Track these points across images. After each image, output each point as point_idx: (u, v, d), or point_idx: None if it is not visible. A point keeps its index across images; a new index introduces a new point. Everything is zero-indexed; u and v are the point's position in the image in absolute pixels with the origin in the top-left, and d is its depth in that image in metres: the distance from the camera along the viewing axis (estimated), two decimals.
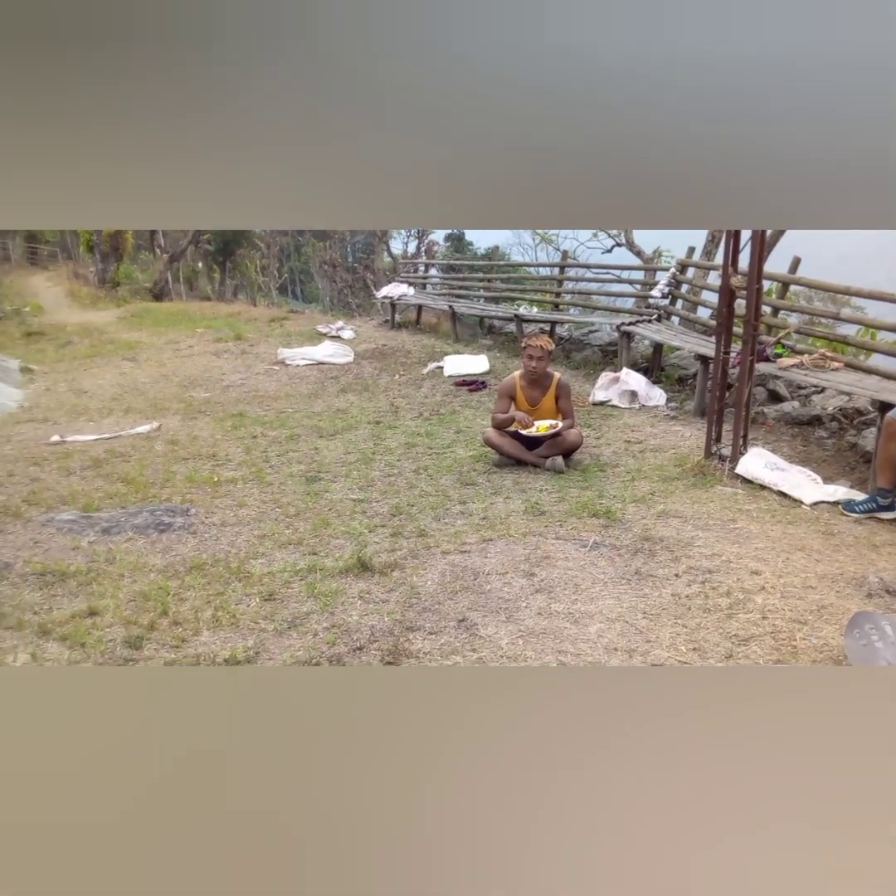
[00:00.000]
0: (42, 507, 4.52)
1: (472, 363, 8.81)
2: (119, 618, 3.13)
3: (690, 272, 8.65)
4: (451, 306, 11.18)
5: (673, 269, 8.54)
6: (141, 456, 5.64)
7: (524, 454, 5.14)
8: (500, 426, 5.26)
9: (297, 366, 9.53)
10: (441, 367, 8.88)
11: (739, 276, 4.85)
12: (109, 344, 11.57)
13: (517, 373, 5.40)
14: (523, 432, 5.11)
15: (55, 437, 6.20)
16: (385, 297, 13.22)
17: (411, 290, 13.20)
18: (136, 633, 2.99)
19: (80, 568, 3.62)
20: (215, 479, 5.05)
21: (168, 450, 5.83)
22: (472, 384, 8.05)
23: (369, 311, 19.27)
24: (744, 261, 4.88)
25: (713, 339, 6.16)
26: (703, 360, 6.31)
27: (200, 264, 28.64)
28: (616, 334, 8.47)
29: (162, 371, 9.38)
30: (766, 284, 5.62)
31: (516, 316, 9.82)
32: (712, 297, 7.74)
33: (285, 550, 3.86)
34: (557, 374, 5.34)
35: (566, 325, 10.26)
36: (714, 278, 9.03)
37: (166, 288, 21.88)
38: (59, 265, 22.23)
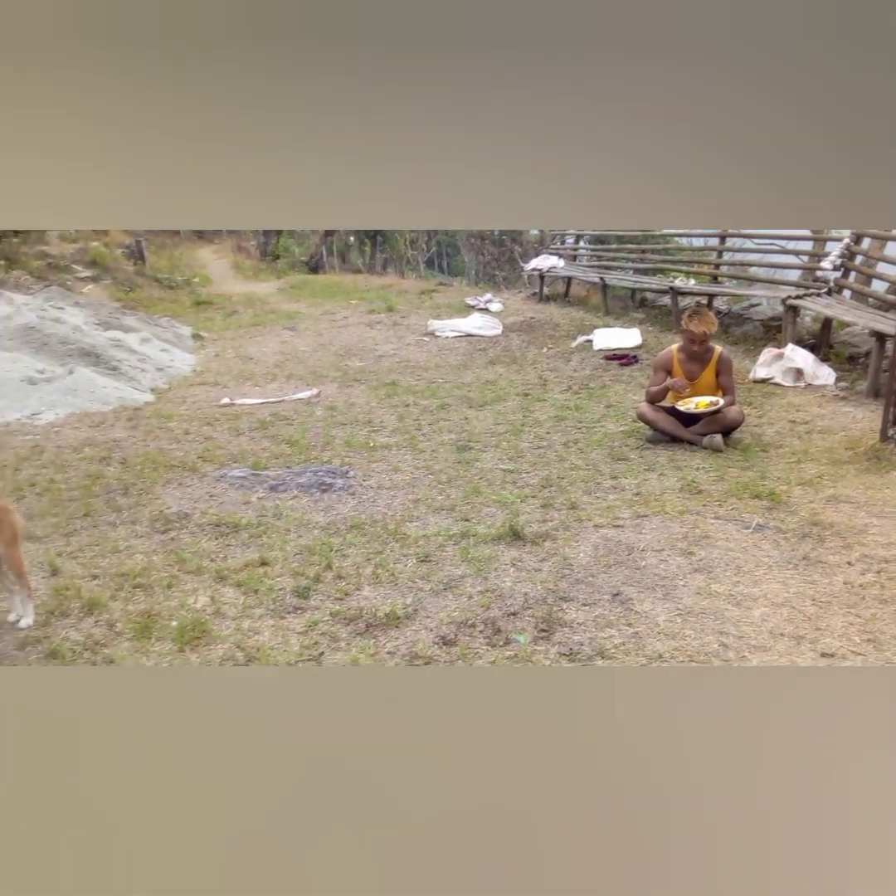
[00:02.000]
0: (215, 463, 4.86)
1: (623, 337, 8.60)
2: (287, 569, 3.33)
3: (866, 243, 8.02)
4: (601, 278, 10.94)
5: (847, 240, 7.94)
6: (302, 420, 5.94)
7: (680, 430, 4.98)
8: (654, 399, 5.11)
9: (447, 337, 9.65)
10: (590, 341, 8.73)
11: None
12: (271, 314, 12.17)
13: (675, 346, 5.22)
14: (681, 408, 4.94)
15: (225, 400, 6.63)
16: (534, 270, 13.10)
17: (561, 262, 13.00)
18: (304, 583, 3.18)
19: (251, 521, 3.87)
20: (371, 445, 5.23)
21: (327, 415, 6.10)
22: (624, 358, 7.87)
23: (515, 284, 19.17)
24: None
25: (891, 314, 5.71)
26: (879, 336, 5.86)
27: (352, 238, 29.44)
28: (779, 308, 8.01)
29: (320, 340, 9.78)
30: None
31: (672, 288, 9.48)
32: (890, 270, 7.16)
33: (438, 515, 3.96)
34: (719, 348, 5.12)
35: (725, 299, 9.80)
36: (893, 249, 8.34)
37: (321, 261, 22.68)
38: (224, 239, 23.50)
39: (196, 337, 10.21)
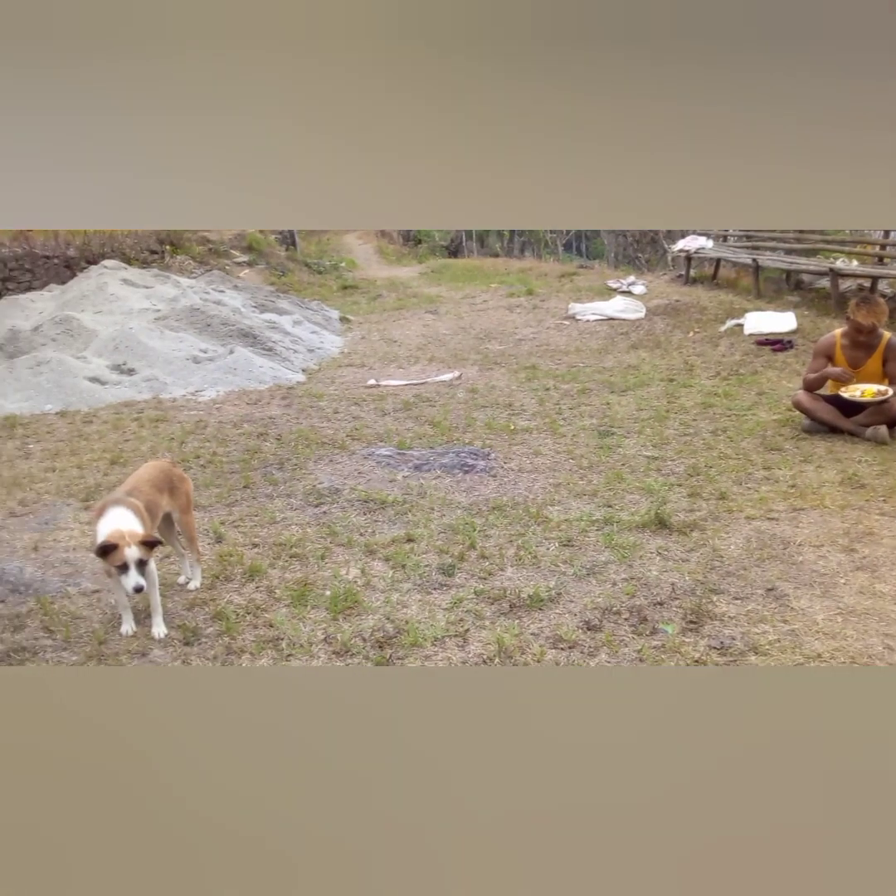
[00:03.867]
0: (363, 441, 5.04)
1: (777, 321, 8.17)
2: (432, 546, 3.42)
3: None
4: (753, 259, 10.42)
5: None
6: (444, 402, 6.05)
7: (840, 420, 4.69)
8: (812, 387, 4.84)
9: (587, 321, 9.51)
10: (741, 325, 8.35)
11: None
12: (413, 297, 12.41)
13: (838, 331, 4.92)
14: (846, 395, 4.65)
15: (371, 381, 6.85)
16: (681, 251, 12.64)
17: (710, 243, 12.47)
18: (449, 561, 3.25)
19: (397, 498, 4.00)
20: (512, 428, 5.26)
21: (468, 397, 6.17)
22: (777, 344, 7.48)
23: (658, 266, 18.58)
24: None
25: None
26: None
27: None
28: None
29: (460, 324, 9.89)
30: None
31: (832, 270, 8.90)
32: None
33: (580, 500, 3.93)
34: (888, 334, 4.77)
35: (890, 281, 9.11)
36: None
37: (460, 245, 22.91)
38: None
39: (344, 320, 10.57)
